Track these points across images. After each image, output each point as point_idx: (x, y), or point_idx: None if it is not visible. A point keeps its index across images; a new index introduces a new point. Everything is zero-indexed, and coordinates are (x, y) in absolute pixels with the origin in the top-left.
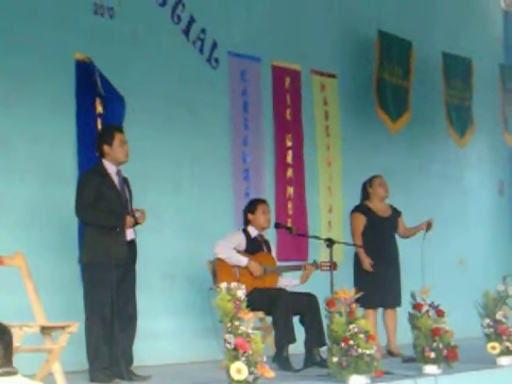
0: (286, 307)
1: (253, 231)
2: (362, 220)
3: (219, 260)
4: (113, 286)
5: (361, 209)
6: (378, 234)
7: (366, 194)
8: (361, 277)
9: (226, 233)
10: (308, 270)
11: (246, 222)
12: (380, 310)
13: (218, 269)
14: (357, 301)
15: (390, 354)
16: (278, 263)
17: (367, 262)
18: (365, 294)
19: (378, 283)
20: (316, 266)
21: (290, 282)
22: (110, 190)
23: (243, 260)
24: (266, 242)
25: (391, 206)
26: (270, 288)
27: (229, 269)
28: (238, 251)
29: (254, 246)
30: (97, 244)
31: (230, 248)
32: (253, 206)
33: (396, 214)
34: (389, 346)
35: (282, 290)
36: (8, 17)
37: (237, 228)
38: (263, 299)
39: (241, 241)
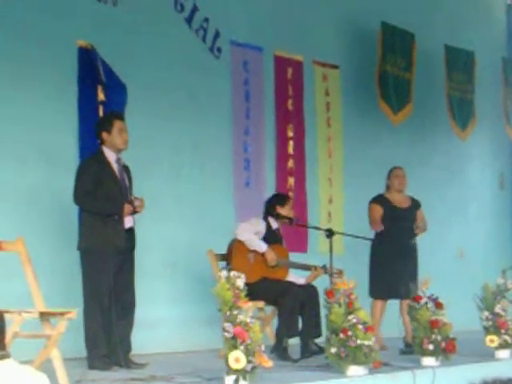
0: (294, 301)
1: (274, 223)
2: (378, 210)
3: (236, 243)
4: (111, 274)
5: (378, 199)
6: (395, 225)
7: (386, 185)
8: (374, 267)
9: (226, 222)
10: (317, 272)
11: (270, 213)
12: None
13: (234, 251)
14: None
15: (407, 345)
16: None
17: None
18: (374, 284)
19: (389, 274)
20: (325, 271)
21: (296, 279)
22: (108, 177)
23: (263, 246)
24: (281, 238)
25: (412, 198)
26: (281, 280)
27: (244, 253)
28: None
29: (272, 238)
30: (95, 231)
31: (252, 232)
32: (283, 200)
33: (415, 206)
34: (406, 337)
35: (292, 284)
36: (11, 3)
37: (243, 217)
38: (272, 290)
39: (262, 229)
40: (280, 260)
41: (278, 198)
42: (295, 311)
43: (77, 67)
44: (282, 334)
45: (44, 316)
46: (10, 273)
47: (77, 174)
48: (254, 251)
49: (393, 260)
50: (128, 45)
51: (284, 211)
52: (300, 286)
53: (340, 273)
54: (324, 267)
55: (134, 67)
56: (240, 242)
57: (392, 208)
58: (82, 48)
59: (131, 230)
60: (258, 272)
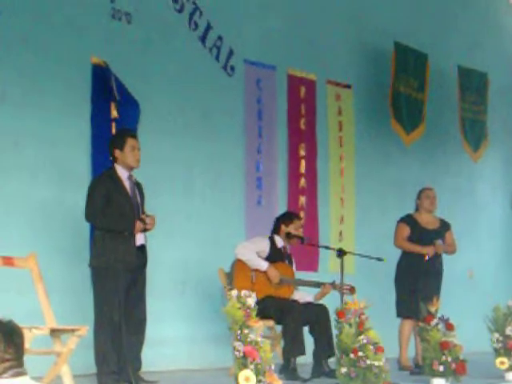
0: (296, 320)
1: (279, 241)
2: (405, 230)
3: (238, 262)
4: (122, 291)
5: (406, 219)
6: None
7: (416, 205)
8: (401, 286)
9: (237, 240)
10: (326, 289)
11: (276, 231)
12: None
13: (236, 271)
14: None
15: (417, 366)
16: (296, 276)
17: (425, 250)
18: (402, 303)
19: (415, 294)
20: (334, 287)
21: (303, 296)
22: (120, 194)
23: (264, 265)
24: (289, 255)
25: (441, 220)
26: (284, 298)
27: (246, 272)
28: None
29: (277, 256)
30: (106, 248)
31: (252, 251)
32: (290, 218)
33: (444, 227)
34: (417, 358)
35: (294, 302)
36: (26, 19)
37: (253, 235)
38: (275, 308)
39: (264, 247)
40: (284, 278)
41: (285, 217)
42: (299, 330)
43: (90, 84)
44: (288, 353)
45: (55, 332)
46: (22, 289)
47: (88, 191)
48: (256, 270)
49: (419, 280)
50: (141, 62)
51: (290, 230)
52: (307, 304)
53: (352, 289)
54: (333, 283)
55: (147, 84)
56: (241, 261)
57: (419, 228)
58: (95, 65)
59: (143, 247)
60: (261, 291)
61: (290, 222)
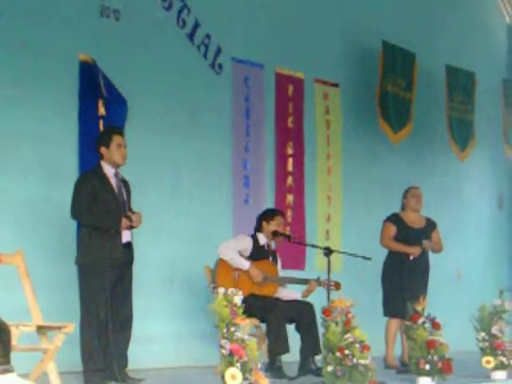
0: (279, 317)
1: (262, 239)
2: (391, 229)
3: (221, 261)
4: (108, 288)
5: (392, 218)
6: (408, 245)
7: (402, 204)
8: (387, 286)
9: (225, 238)
10: (311, 286)
11: (258, 229)
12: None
13: (219, 270)
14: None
15: (404, 364)
16: (282, 273)
17: (411, 250)
18: (389, 302)
19: (401, 293)
20: (319, 283)
21: (290, 294)
22: (106, 191)
23: (245, 264)
24: (273, 253)
25: (427, 218)
26: (267, 296)
27: (229, 271)
28: (241, 256)
29: (260, 254)
30: (92, 245)
31: (234, 250)
32: (270, 215)
33: (430, 226)
34: (403, 356)
35: (277, 300)
36: (13, 16)
37: (243, 233)
38: (258, 306)
39: (247, 246)
40: (268, 276)
41: (266, 214)
42: (282, 327)
43: (78, 81)
44: (273, 351)
45: (41, 329)
46: (8, 285)
47: (74, 189)
48: (239, 268)
49: (404, 279)
50: (129, 60)
51: (271, 226)
52: (293, 301)
53: (337, 285)
54: (318, 280)
55: (134, 82)
56: (223, 261)
57: (405, 228)
58: (83, 62)
59: (129, 245)
60: (245, 289)
61: (272, 219)
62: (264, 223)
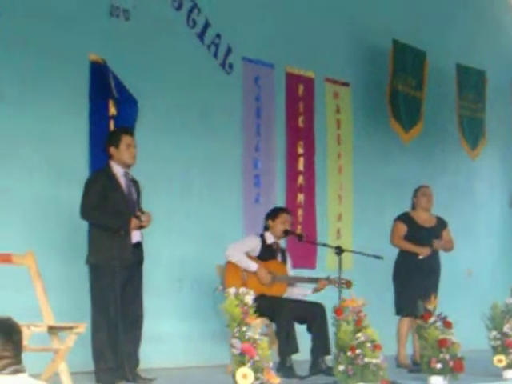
0: (288, 318)
1: (269, 238)
2: (402, 228)
3: (229, 263)
4: (118, 288)
5: (403, 217)
6: (419, 244)
7: (412, 203)
8: (399, 285)
9: (235, 238)
10: (322, 284)
11: (265, 228)
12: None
13: (227, 271)
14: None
15: (416, 364)
16: (292, 273)
17: (420, 250)
18: (400, 301)
19: (413, 292)
20: (330, 281)
21: (302, 291)
22: (115, 191)
23: (253, 266)
24: (283, 251)
25: (438, 217)
26: (275, 296)
27: (237, 273)
28: (251, 257)
29: (268, 253)
30: (102, 245)
31: (242, 252)
32: (275, 213)
33: (441, 225)
34: (415, 355)
35: (285, 300)
36: (24, 16)
37: (253, 233)
38: (267, 307)
39: (255, 246)
40: (277, 276)
41: (271, 212)
42: (291, 327)
43: (88, 81)
44: (284, 351)
45: (53, 330)
46: (20, 286)
47: (84, 189)
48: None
49: (416, 279)
50: (140, 60)
51: (274, 225)
52: (304, 302)
53: (348, 283)
54: (328, 278)
55: (145, 82)
56: (232, 263)
57: (416, 227)
58: (93, 62)
59: (139, 245)
60: (254, 290)
61: (276, 217)
62: (270, 222)
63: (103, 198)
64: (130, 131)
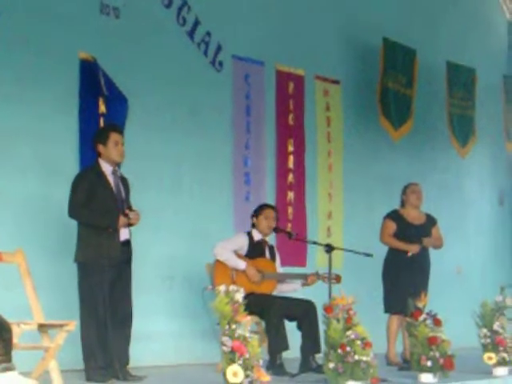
0: (278, 315)
1: (256, 235)
2: (391, 226)
3: (218, 261)
4: (106, 286)
5: (392, 215)
6: (408, 242)
7: (401, 201)
8: (388, 282)
9: (225, 236)
10: (311, 280)
11: (252, 225)
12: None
13: (216, 270)
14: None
15: (405, 361)
16: (281, 270)
17: (409, 248)
18: (390, 299)
19: (402, 290)
20: (318, 277)
21: (291, 286)
22: (104, 189)
23: (241, 264)
24: (271, 248)
25: (427, 215)
26: (265, 294)
27: (226, 271)
28: (239, 255)
29: (256, 251)
30: (90, 243)
31: (230, 250)
32: (258, 209)
33: (431, 222)
34: (405, 353)
35: (275, 298)
36: (13, 14)
37: (241, 231)
38: (257, 304)
39: (243, 244)
40: (266, 273)
41: (256, 209)
42: (280, 325)
43: (78, 79)
44: (274, 349)
45: (43, 328)
46: (9, 284)
47: (72, 187)
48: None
49: (405, 276)
50: (130, 57)
51: (258, 222)
52: (293, 299)
53: (337, 278)
54: (317, 273)
55: (135, 80)
56: (220, 261)
57: (405, 224)
58: (83, 60)
59: (127, 243)
60: (243, 288)
61: (260, 213)
62: (254, 219)
63: (91, 195)
64: (118, 128)
